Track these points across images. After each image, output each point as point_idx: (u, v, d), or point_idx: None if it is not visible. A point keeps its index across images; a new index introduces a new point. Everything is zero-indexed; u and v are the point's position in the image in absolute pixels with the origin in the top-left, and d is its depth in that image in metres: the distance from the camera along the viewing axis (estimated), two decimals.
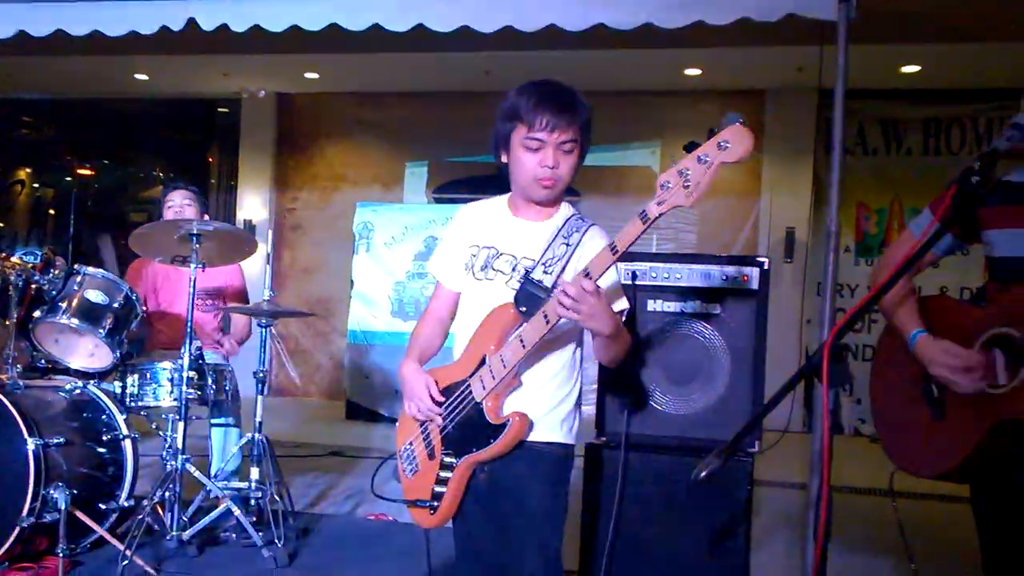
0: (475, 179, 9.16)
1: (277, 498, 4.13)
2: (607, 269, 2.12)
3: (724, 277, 3.24)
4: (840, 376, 1.78)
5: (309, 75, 9.08)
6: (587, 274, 2.11)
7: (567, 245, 2.37)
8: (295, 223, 9.98)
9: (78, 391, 4.11)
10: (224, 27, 4.84)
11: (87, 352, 4.21)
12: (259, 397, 4.29)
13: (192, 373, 3.99)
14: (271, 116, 9.88)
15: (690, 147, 1.98)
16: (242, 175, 9.98)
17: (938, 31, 6.59)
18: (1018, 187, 2.18)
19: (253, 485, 4.16)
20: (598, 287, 2.11)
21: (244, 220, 9.81)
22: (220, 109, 10.18)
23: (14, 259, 3.96)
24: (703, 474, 1.77)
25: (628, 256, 3.28)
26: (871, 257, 8.50)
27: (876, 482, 2.36)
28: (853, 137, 8.47)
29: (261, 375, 4.32)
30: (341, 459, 6.66)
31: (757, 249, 8.64)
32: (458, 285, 2.54)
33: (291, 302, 9.22)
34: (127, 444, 4.07)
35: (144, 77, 9.27)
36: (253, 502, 4.18)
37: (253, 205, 9.90)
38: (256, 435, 4.21)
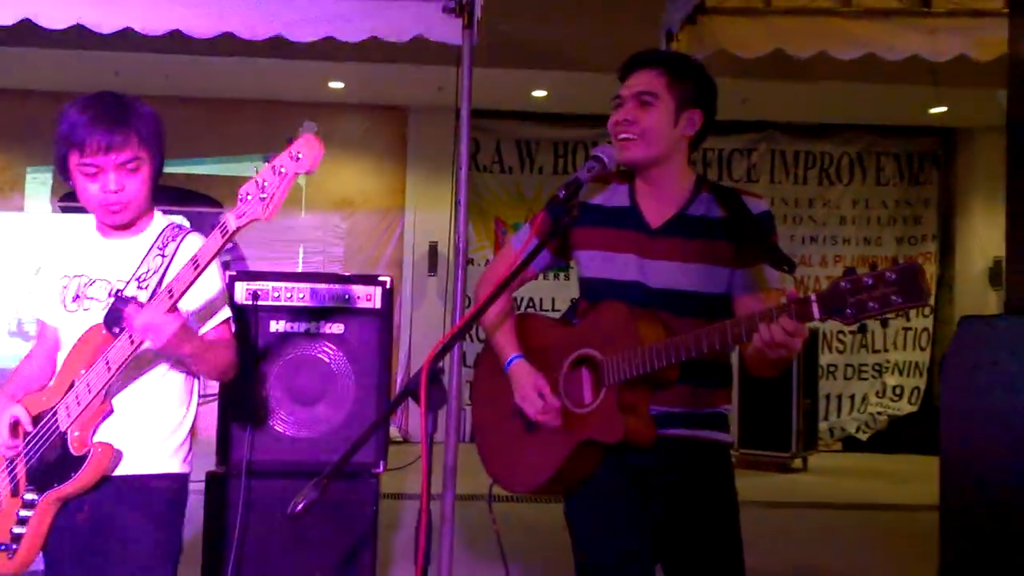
0: None
1: None
2: (191, 285, 2.06)
3: (347, 297, 3.27)
4: (439, 399, 1.85)
5: None
6: (170, 292, 2.04)
7: (162, 256, 2.29)
8: None
9: None
10: None
11: None
12: None
13: None
14: None
15: (269, 157, 1.97)
16: None
17: (560, 60, 7.11)
18: (608, 211, 2.33)
19: None
20: (176, 309, 2.06)
21: None
22: None
23: None
24: (300, 506, 1.76)
25: (249, 275, 3.26)
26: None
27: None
28: (491, 155, 8.89)
29: None
30: None
31: (403, 262, 8.82)
32: (54, 320, 2.37)
33: None
34: None
35: None
36: None
37: None
38: None
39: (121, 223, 2.31)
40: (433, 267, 8.78)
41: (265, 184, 1.93)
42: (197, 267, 2.03)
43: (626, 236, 2.29)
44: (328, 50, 4.72)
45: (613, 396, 2.18)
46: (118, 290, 2.25)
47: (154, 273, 2.26)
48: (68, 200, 8.74)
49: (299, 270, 8.43)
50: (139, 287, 2.25)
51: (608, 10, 5.85)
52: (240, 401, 3.16)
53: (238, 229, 1.98)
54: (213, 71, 7.47)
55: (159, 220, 2.38)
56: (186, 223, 2.46)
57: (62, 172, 2.28)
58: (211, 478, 3.17)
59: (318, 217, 8.74)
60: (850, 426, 8.82)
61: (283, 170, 1.92)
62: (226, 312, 2.35)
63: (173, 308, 2.06)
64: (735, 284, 2.25)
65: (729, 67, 4.80)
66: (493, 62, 4.49)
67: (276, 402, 3.22)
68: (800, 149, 8.99)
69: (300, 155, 1.90)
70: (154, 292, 2.21)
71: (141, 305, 2.11)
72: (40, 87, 8.45)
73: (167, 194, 7.82)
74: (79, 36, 4.46)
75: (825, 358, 8.64)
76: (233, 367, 2.35)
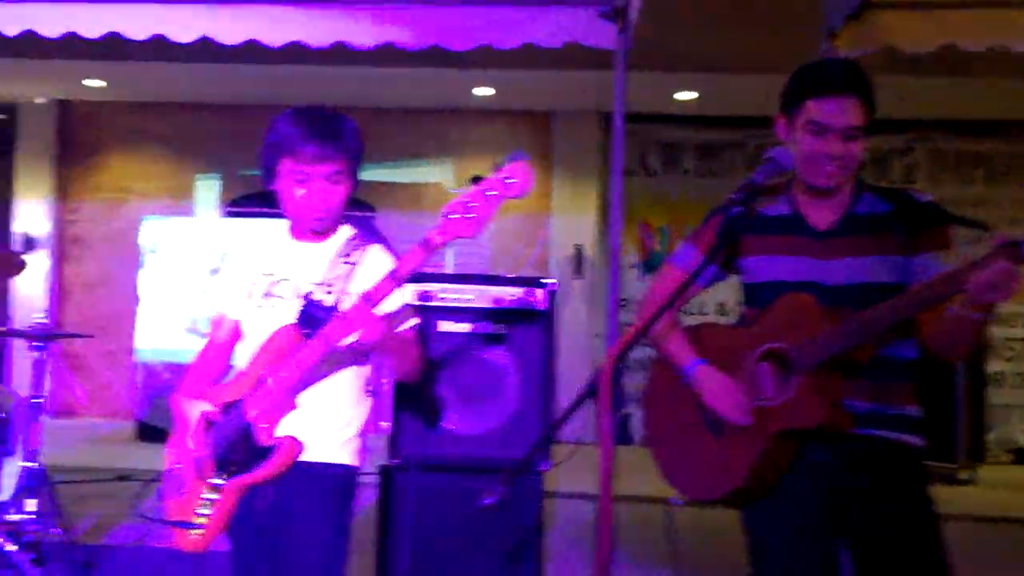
0: (270, 192, 8.88)
1: (56, 531, 3.92)
2: (389, 294, 2.16)
3: (513, 298, 3.35)
4: (618, 400, 1.89)
5: (90, 83, 8.64)
6: (368, 299, 2.15)
7: (348, 264, 2.38)
8: (75, 236, 9.47)
9: None
10: None
11: None
12: (35, 423, 4.07)
13: None
14: (51, 124, 9.33)
15: (477, 179, 2.06)
16: (19, 185, 9.38)
17: (711, 62, 7.05)
18: (771, 219, 2.33)
19: (29, 518, 3.93)
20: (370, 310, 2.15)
21: (22, 233, 9.23)
22: None
23: None
24: (489, 501, 1.84)
25: (418, 277, 3.37)
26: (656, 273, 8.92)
27: (665, 491, 2.48)
28: (635, 159, 8.88)
29: (38, 401, 4.10)
30: (131, 484, 6.35)
31: (548, 265, 8.91)
32: (238, 314, 2.50)
33: (74, 318, 8.75)
34: None
35: None
36: (30, 536, 3.95)
37: (32, 216, 9.32)
38: (32, 463, 3.99)
39: (319, 229, 2.44)
40: (578, 270, 8.83)
41: (472, 205, 2.03)
42: (396, 279, 2.15)
43: (794, 241, 2.29)
44: (478, 57, 4.86)
45: (806, 381, 2.16)
46: (308, 293, 2.35)
47: (340, 280, 2.36)
48: (235, 205, 9.23)
49: (448, 272, 8.65)
50: (326, 292, 2.35)
51: (764, 8, 5.78)
52: (413, 399, 3.28)
53: (442, 245, 2.09)
54: (367, 81, 7.73)
55: (344, 229, 2.49)
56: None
57: (267, 177, 2.42)
58: (384, 470, 3.29)
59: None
60: (1021, 438, 8.39)
61: (492, 194, 2.02)
62: (414, 320, 2.46)
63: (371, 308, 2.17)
64: (914, 271, 2.22)
65: (888, 63, 4.67)
66: (641, 65, 4.53)
67: (445, 400, 3.32)
68: (963, 148, 8.59)
69: (511, 181, 2.00)
70: (339, 299, 2.32)
71: (329, 310, 2.25)
72: (204, 99, 8.95)
73: None
74: (249, 51, 4.72)
75: (993, 366, 8.24)
76: (422, 366, 2.47)
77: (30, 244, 9.11)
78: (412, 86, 8.08)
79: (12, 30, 4.62)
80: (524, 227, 9.06)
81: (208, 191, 9.41)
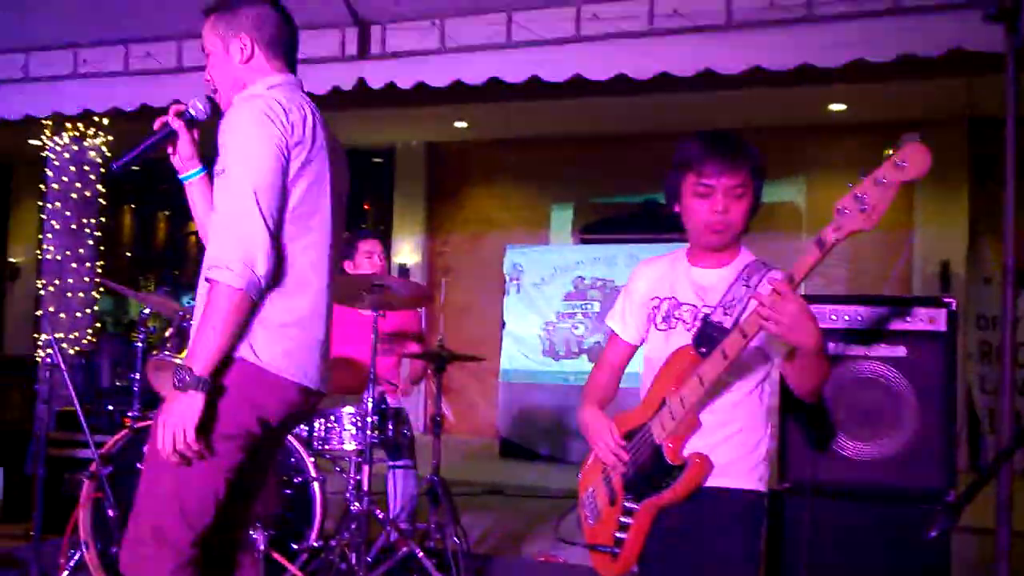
0: (620, 219, 9.26)
1: (455, 539, 4.22)
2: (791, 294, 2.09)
3: (909, 319, 3.21)
4: None
5: (458, 124, 9.37)
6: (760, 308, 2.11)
7: (747, 287, 2.35)
8: (446, 266, 10.28)
9: None
10: (391, 85, 5.09)
11: None
12: (436, 439, 4.45)
13: (374, 417, 4.13)
14: (422, 164, 10.28)
15: (867, 171, 1.98)
16: (395, 221, 10.40)
17: None
18: None
19: (432, 526, 4.28)
20: (796, 293, 2.09)
21: (398, 264, 10.16)
22: (374, 159, 10.62)
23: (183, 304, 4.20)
24: (933, 533, 1.76)
25: (808, 300, 3.30)
26: None
27: None
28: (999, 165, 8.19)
29: (439, 419, 4.48)
30: (500, 497, 6.75)
31: (911, 284, 8.43)
32: (635, 338, 2.57)
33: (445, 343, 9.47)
34: (316, 486, 4.17)
35: None
36: (432, 543, 4.30)
37: (406, 250, 10.25)
38: (433, 476, 4.36)
39: (719, 244, 2.43)
40: (945, 287, 8.28)
41: (864, 196, 1.97)
42: (793, 282, 2.10)
43: None
44: (834, 72, 4.69)
45: None
46: (706, 314, 2.37)
47: (738, 302, 2.33)
48: (587, 232, 9.58)
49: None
50: (724, 313, 2.34)
51: None
52: (808, 418, 3.22)
53: (836, 242, 2.03)
54: (719, 105, 7.71)
55: (744, 255, 2.48)
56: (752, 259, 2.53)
57: (671, 197, 2.47)
58: (774, 494, 3.25)
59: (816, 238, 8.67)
60: None
61: (884, 180, 1.95)
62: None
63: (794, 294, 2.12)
64: None
65: None
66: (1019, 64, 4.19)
67: (837, 423, 3.24)
68: None
69: (904, 163, 1.93)
70: (736, 320, 2.30)
71: (726, 331, 2.25)
72: (560, 133, 9.37)
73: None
74: (613, 84, 4.89)
75: None
76: (821, 386, 2.39)
77: (404, 274, 10.00)
78: (765, 107, 7.98)
79: (406, 83, 5.09)
80: (883, 245, 8.64)
81: (562, 219, 9.85)
